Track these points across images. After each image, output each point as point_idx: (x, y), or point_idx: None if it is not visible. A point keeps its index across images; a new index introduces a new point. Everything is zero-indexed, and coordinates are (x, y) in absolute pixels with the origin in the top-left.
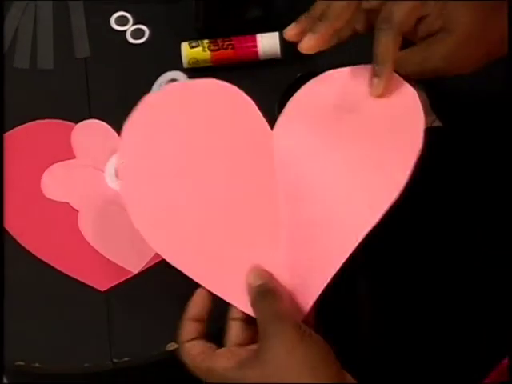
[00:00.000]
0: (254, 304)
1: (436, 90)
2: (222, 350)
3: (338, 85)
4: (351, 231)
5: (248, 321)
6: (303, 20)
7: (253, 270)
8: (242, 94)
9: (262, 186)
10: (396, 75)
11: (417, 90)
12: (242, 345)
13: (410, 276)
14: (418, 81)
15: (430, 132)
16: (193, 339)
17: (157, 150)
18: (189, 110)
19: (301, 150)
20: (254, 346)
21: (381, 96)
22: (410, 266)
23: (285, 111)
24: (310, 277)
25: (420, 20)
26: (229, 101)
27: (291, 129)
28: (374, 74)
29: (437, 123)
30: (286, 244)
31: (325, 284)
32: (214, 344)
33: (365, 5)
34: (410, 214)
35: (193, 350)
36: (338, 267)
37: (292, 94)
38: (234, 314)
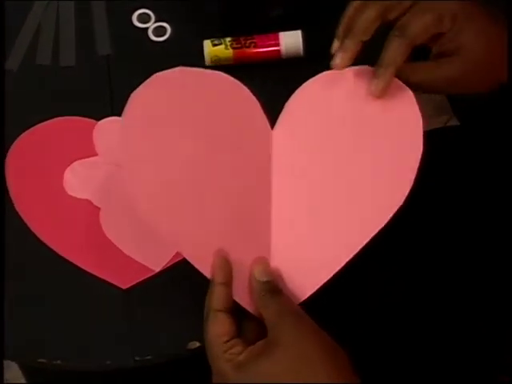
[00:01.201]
0: (261, 300)
1: None
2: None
3: (337, 85)
4: (348, 238)
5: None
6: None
7: (258, 265)
8: (246, 90)
9: (257, 183)
10: (396, 79)
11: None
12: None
13: (416, 270)
14: None
15: (444, 132)
16: (223, 311)
17: (157, 134)
18: (192, 97)
19: (299, 153)
20: (260, 342)
21: (379, 97)
22: (418, 261)
23: (285, 111)
24: (299, 279)
25: (436, 38)
26: (233, 95)
27: (291, 130)
28: (375, 76)
29: (452, 122)
30: (275, 245)
31: (316, 288)
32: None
33: (391, 15)
34: (426, 212)
35: (221, 327)
36: (333, 273)
37: None
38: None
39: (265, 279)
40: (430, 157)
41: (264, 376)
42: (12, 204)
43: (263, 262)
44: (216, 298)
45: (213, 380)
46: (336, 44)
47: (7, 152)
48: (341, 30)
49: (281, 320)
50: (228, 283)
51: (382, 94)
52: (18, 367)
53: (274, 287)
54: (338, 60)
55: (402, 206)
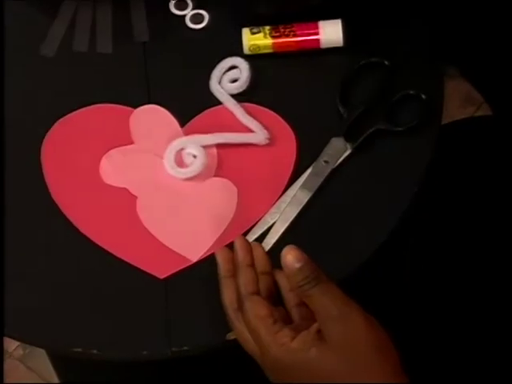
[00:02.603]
0: (301, 289)
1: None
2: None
3: None
4: None
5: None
6: None
7: (289, 253)
8: None
9: None
10: None
11: (457, 78)
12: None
13: (455, 257)
14: (460, 68)
15: (473, 122)
16: (256, 294)
17: None
18: None
19: None
20: (313, 328)
21: None
22: (458, 248)
23: None
24: None
25: None
26: None
27: None
28: None
29: (479, 113)
30: None
31: None
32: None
33: None
34: (452, 206)
35: (262, 309)
36: None
37: (353, 83)
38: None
39: (298, 266)
40: (456, 147)
41: (314, 370)
42: (46, 194)
43: (294, 249)
44: (248, 282)
45: (262, 364)
46: None
47: (43, 139)
48: None
49: (327, 313)
50: (253, 265)
51: None
52: (48, 358)
53: (310, 274)
54: None
55: (429, 199)
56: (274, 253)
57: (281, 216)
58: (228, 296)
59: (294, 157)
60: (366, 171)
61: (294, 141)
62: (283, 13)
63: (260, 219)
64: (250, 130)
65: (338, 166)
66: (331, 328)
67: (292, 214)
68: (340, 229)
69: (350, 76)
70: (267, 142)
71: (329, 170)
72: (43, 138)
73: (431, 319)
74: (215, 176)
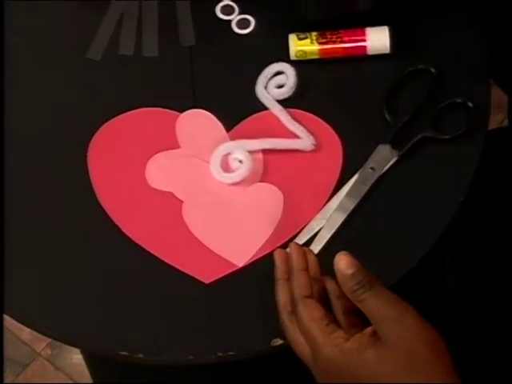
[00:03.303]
0: (355, 294)
1: None
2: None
3: None
4: None
5: None
6: None
7: (342, 259)
8: None
9: None
10: None
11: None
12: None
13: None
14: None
15: (501, 132)
16: (309, 297)
17: None
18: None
19: None
20: (367, 330)
21: None
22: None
23: None
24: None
25: None
26: None
27: None
28: None
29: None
30: None
31: None
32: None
33: None
34: (497, 214)
35: (316, 311)
36: None
37: (400, 90)
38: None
39: (350, 271)
40: (502, 154)
41: (371, 371)
42: (93, 197)
43: (346, 255)
44: (302, 285)
45: (313, 367)
46: None
47: (89, 143)
48: None
49: (382, 315)
50: (307, 269)
51: None
52: (83, 358)
53: (363, 278)
54: None
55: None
56: (320, 259)
57: (327, 223)
58: (282, 298)
59: (340, 163)
60: (411, 179)
61: (340, 147)
62: (331, 19)
63: (306, 225)
64: (296, 136)
65: (383, 174)
66: (388, 329)
67: (338, 220)
68: (385, 237)
69: (396, 83)
70: (313, 148)
71: (375, 177)
72: (89, 141)
73: (473, 329)
74: (261, 181)
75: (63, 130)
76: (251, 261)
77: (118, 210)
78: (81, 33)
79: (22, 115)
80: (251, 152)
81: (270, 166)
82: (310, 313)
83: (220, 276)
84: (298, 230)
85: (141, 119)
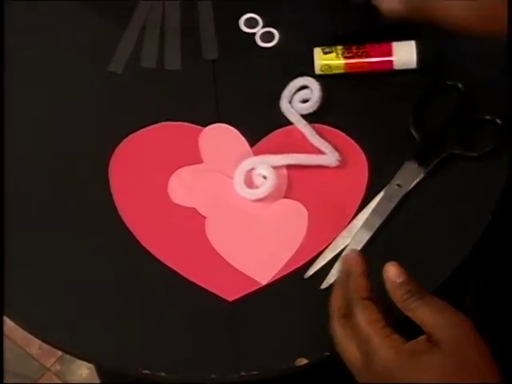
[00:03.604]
0: (405, 303)
1: None
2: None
3: None
4: None
5: None
6: None
7: (391, 268)
8: None
9: None
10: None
11: None
12: None
13: None
14: None
15: None
16: (367, 299)
17: None
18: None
19: None
20: (421, 338)
21: None
22: None
23: None
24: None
25: None
26: None
27: None
28: None
29: None
30: None
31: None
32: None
33: None
34: None
35: (373, 313)
36: None
37: (427, 106)
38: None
39: (400, 280)
40: None
41: (427, 375)
42: (114, 212)
43: (395, 265)
44: (360, 288)
45: (363, 373)
46: None
47: (112, 154)
48: None
49: (437, 322)
50: (367, 273)
51: None
52: (97, 375)
53: (412, 288)
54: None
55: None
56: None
57: (352, 240)
58: (336, 302)
59: (366, 180)
60: (438, 196)
61: (366, 163)
62: (357, 33)
63: (331, 243)
64: (321, 152)
65: (410, 191)
66: (443, 335)
67: (363, 238)
68: (410, 256)
69: (423, 98)
70: (338, 164)
71: (401, 195)
72: (111, 155)
73: None
74: (285, 198)
75: (85, 143)
76: (275, 278)
77: (140, 225)
78: (102, 45)
79: (43, 128)
80: (275, 168)
81: (294, 182)
82: (367, 314)
83: (243, 294)
84: (322, 248)
85: (163, 133)
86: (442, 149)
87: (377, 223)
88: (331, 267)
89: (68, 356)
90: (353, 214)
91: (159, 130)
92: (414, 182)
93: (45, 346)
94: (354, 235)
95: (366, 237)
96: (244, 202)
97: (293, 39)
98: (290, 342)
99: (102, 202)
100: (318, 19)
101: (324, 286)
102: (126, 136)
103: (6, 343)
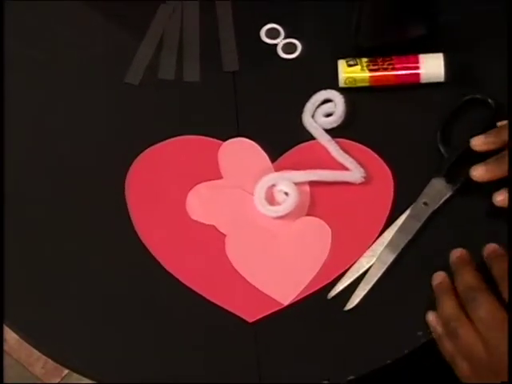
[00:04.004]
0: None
1: None
2: None
3: None
4: None
5: None
6: (491, 137)
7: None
8: None
9: None
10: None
11: None
12: None
13: None
14: None
15: None
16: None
17: None
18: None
19: None
20: None
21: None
22: None
23: None
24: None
25: None
26: None
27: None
28: None
29: None
30: None
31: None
32: None
33: None
34: None
35: (496, 302)
36: None
37: (455, 121)
38: None
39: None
40: None
41: None
42: (130, 228)
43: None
44: (479, 279)
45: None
46: (477, 138)
47: (128, 168)
48: (495, 133)
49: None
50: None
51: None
52: None
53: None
54: (478, 169)
55: None
56: (369, 300)
57: (377, 260)
58: (447, 307)
59: (391, 197)
60: (467, 215)
61: (391, 180)
62: (382, 45)
63: (355, 262)
64: (345, 168)
65: (437, 209)
66: None
67: (389, 258)
68: None
69: (451, 113)
70: (363, 180)
71: (428, 213)
72: (127, 170)
73: None
74: (307, 215)
75: (100, 158)
76: (297, 299)
77: (157, 243)
78: (118, 55)
79: (57, 142)
80: (297, 184)
81: (317, 199)
82: (492, 304)
83: (264, 314)
84: (346, 267)
85: (181, 148)
86: (471, 165)
87: (403, 242)
88: (355, 288)
89: (73, 376)
90: (378, 233)
91: (177, 144)
92: (442, 200)
93: (48, 365)
94: (379, 255)
95: (391, 257)
96: (265, 219)
97: (316, 50)
98: (313, 364)
99: (118, 218)
100: (342, 30)
101: (348, 307)
102: (143, 150)
103: (9, 361)
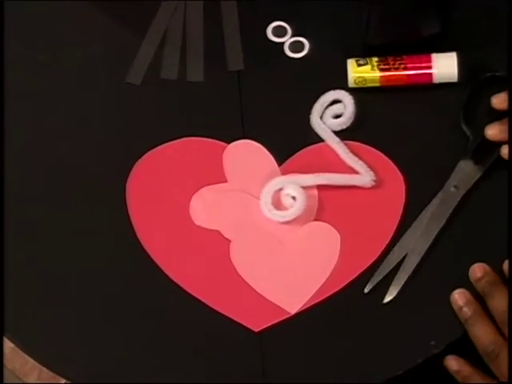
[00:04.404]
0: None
1: None
2: None
3: None
4: None
5: None
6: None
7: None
8: None
9: None
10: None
11: None
12: None
13: None
14: None
15: None
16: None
17: None
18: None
19: None
20: None
21: None
22: None
23: None
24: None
25: None
26: None
27: None
28: None
29: None
30: None
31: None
32: None
33: None
34: None
35: None
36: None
37: (478, 100)
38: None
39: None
40: None
41: None
42: (131, 233)
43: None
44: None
45: None
46: (492, 126)
47: (130, 171)
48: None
49: None
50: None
51: None
52: None
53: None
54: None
55: None
56: (407, 289)
57: (410, 251)
58: (483, 334)
59: (403, 202)
60: (497, 195)
61: (403, 183)
62: (394, 44)
63: (365, 269)
64: (355, 171)
65: (467, 192)
66: None
67: (423, 248)
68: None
69: (471, 92)
70: (373, 184)
71: (459, 197)
72: (129, 172)
73: None
74: (316, 220)
75: (100, 160)
76: (304, 308)
77: (159, 249)
78: (120, 55)
79: (57, 141)
80: (305, 188)
81: (325, 204)
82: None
83: (270, 324)
84: (356, 275)
85: (184, 150)
86: (499, 145)
87: (435, 230)
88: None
89: None
90: (389, 239)
91: (180, 147)
92: (472, 182)
93: (43, 375)
94: (413, 246)
95: (425, 246)
96: (271, 224)
97: (324, 49)
98: (321, 376)
99: (118, 223)
100: (352, 28)
101: (387, 299)
102: (145, 153)
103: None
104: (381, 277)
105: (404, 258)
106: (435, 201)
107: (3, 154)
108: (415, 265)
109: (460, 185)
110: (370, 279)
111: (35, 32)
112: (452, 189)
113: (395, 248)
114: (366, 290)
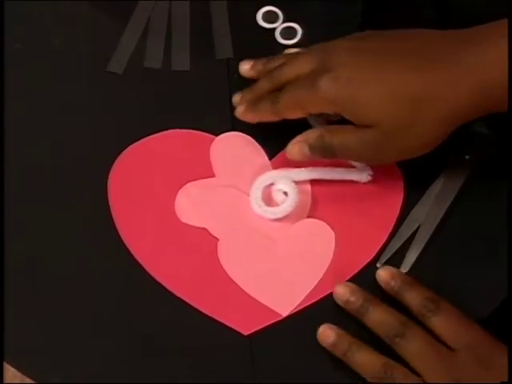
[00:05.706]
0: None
1: None
2: None
3: None
4: None
5: None
6: (259, 65)
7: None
8: None
9: None
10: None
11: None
12: None
13: None
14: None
15: None
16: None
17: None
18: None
19: None
20: None
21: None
22: None
23: None
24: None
25: None
26: None
27: None
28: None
29: None
30: None
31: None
32: None
33: None
34: None
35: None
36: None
37: None
38: None
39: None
40: None
41: None
42: (113, 231)
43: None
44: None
45: None
46: (245, 62)
47: (111, 166)
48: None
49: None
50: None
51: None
52: None
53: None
54: (242, 109)
55: None
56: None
57: (425, 221)
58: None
59: (401, 197)
60: None
61: (401, 178)
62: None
63: (360, 270)
64: (350, 166)
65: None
66: None
67: (438, 214)
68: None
69: None
70: (370, 179)
71: (472, 166)
72: (110, 167)
73: None
74: (309, 217)
75: (80, 154)
76: (297, 310)
77: (143, 248)
78: (100, 43)
79: (32, 134)
80: (298, 183)
81: (319, 200)
82: (423, 336)
83: (261, 326)
84: (351, 275)
85: (170, 143)
86: None
87: (449, 199)
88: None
89: None
90: (386, 237)
91: (165, 139)
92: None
93: None
94: (427, 213)
95: (440, 213)
96: (262, 221)
97: (317, 36)
98: (313, 379)
99: (99, 221)
100: (345, 13)
101: (404, 269)
102: (127, 146)
103: None
104: (395, 248)
105: (417, 229)
106: (445, 172)
107: None
108: (428, 238)
109: (474, 151)
110: (383, 253)
111: (11, 19)
112: (465, 157)
113: (406, 221)
114: (378, 265)
